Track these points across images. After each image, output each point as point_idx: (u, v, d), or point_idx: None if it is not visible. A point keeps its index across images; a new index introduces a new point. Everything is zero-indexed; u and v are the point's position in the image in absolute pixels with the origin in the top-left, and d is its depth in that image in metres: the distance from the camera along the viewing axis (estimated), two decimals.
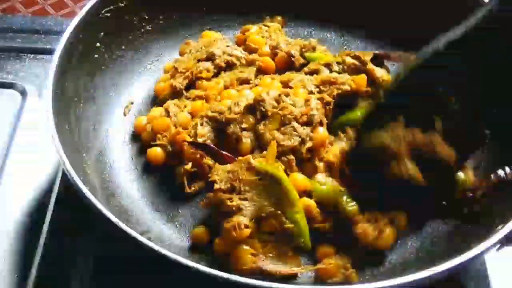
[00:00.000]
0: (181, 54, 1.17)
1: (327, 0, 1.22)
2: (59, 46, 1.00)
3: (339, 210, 0.93)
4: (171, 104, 1.07)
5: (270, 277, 0.86)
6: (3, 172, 1.06)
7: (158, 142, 1.03)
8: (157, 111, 1.07)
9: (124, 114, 1.10)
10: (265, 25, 1.20)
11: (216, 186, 0.92)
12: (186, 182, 0.99)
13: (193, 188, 1.00)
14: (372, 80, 1.08)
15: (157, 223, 0.97)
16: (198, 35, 1.20)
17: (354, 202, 0.93)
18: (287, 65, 1.13)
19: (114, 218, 0.82)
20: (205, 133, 1.01)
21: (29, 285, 0.93)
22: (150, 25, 1.17)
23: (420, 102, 0.91)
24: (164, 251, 0.79)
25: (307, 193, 0.95)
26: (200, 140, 0.99)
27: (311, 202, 0.94)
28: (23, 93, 1.18)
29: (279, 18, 1.24)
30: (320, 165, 0.98)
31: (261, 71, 1.13)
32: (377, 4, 1.19)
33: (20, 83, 1.19)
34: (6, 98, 1.18)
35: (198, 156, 0.99)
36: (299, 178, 0.96)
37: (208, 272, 0.78)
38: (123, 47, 1.13)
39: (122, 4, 1.11)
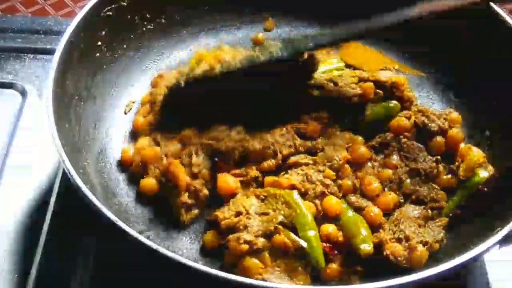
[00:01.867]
0: (154, 86, 1.12)
1: (328, 1, 1.22)
2: (60, 45, 0.99)
3: (352, 245, 0.91)
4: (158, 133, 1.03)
5: None
6: (3, 172, 1.06)
7: (150, 174, 0.98)
8: (145, 140, 1.02)
9: (125, 113, 1.10)
10: None
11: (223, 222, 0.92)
12: (184, 213, 0.96)
13: (189, 217, 0.97)
14: (380, 85, 1.08)
15: (156, 222, 0.97)
16: (199, 33, 1.21)
17: (370, 244, 0.91)
18: None
19: (113, 217, 0.82)
20: (200, 162, 0.97)
21: (29, 285, 0.93)
22: (151, 24, 1.17)
23: None
24: (162, 250, 0.79)
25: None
26: (195, 170, 0.97)
27: (334, 231, 0.92)
28: (23, 93, 1.18)
29: (270, 19, 1.24)
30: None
31: None
32: (379, 5, 1.18)
33: (20, 83, 1.19)
34: (6, 98, 1.18)
35: (194, 186, 0.97)
36: (333, 202, 0.94)
37: (207, 271, 0.78)
38: (124, 46, 1.13)
39: (124, 3, 1.11)
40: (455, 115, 1.05)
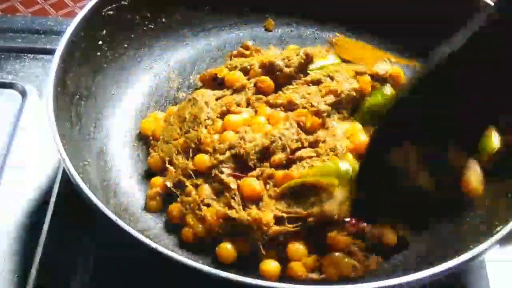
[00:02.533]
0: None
1: (330, 0, 1.22)
2: (61, 44, 0.99)
3: None
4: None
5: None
6: (3, 172, 1.06)
7: (188, 223, 0.94)
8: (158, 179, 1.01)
9: None
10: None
11: None
12: None
13: None
14: (378, 78, 1.09)
15: (157, 222, 0.97)
16: (201, 33, 1.21)
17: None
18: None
19: (113, 217, 0.82)
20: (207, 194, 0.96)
21: (29, 285, 0.92)
22: (152, 24, 1.17)
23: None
24: (163, 250, 0.79)
25: None
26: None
27: None
28: (23, 93, 1.18)
29: (270, 19, 1.24)
30: None
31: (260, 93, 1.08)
32: (381, 4, 1.19)
33: (20, 83, 1.19)
34: (6, 98, 1.18)
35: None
36: None
37: (208, 271, 0.78)
38: (125, 45, 1.13)
39: (125, 3, 1.11)
40: None
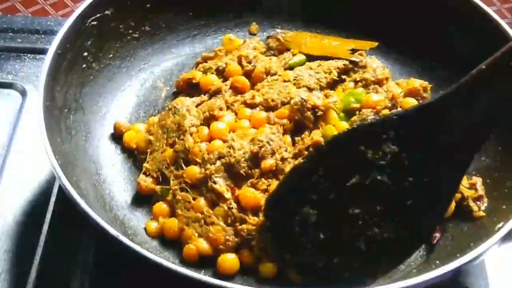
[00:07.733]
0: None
1: (325, 2, 1.21)
2: (48, 57, 0.98)
3: None
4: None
5: None
6: (3, 172, 1.06)
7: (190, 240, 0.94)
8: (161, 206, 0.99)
9: None
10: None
11: None
12: None
13: None
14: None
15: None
16: (185, 40, 1.20)
17: None
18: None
19: (113, 231, 0.81)
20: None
21: (29, 285, 0.93)
22: (136, 32, 1.14)
23: None
24: (163, 261, 0.79)
25: None
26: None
27: None
28: (23, 93, 1.18)
29: (254, 23, 1.23)
30: None
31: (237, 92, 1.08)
32: (378, 7, 1.18)
33: (20, 83, 1.19)
34: (6, 98, 1.18)
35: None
36: None
37: (204, 279, 0.78)
38: (110, 55, 1.10)
39: (108, 12, 1.09)
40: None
